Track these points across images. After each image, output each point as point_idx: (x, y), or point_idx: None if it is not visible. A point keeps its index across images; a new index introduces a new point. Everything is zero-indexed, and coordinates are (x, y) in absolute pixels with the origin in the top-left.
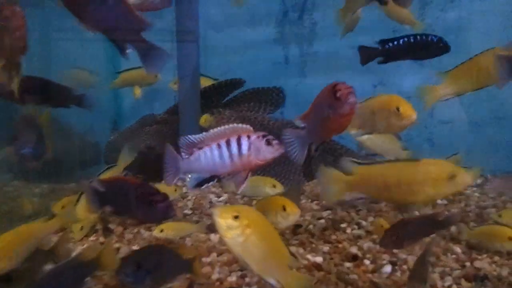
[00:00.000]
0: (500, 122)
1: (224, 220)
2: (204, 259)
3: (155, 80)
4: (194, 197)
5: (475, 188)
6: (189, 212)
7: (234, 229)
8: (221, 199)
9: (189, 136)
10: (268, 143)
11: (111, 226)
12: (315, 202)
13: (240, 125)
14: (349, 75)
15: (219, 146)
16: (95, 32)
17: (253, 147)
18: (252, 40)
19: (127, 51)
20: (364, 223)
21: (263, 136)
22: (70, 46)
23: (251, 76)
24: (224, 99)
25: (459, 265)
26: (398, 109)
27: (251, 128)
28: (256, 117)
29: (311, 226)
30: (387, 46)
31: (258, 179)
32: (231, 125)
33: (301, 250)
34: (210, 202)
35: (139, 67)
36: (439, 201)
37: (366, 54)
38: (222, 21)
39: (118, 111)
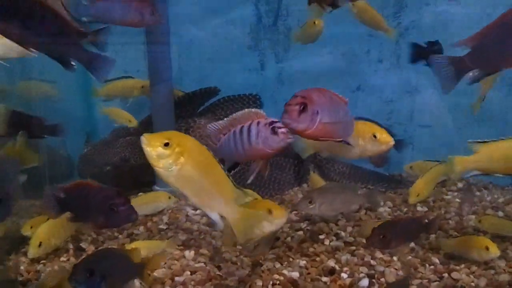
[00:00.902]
0: (481, 126)
1: (153, 149)
2: (177, 278)
3: (143, 90)
4: (169, 211)
5: (455, 193)
6: (165, 227)
7: (165, 157)
8: (198, 212)
9: (216, 123)
10: (274, 131)
11: (83, 245)
12: (293, 212)
13: (254, 110)
14: (327, 80)
15: (234, 133)
16: (36, 52)
17: (260, 135)
18: (226, 47)
19: (72, 63)
20: (342, 233)
21: (270, 124)
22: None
23: (227, 83)
24: (199, 108)
25: (437, 277)
26: (375, 136)
27: (263, 113)
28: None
29: (288, 239)
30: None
31: None
32: (246, 110)
33: (277, 265)
34: (187, 215)
35: (128, 77)
36: (419, 208)
37: (417, 53)
38: (196, 29)
39: (91, 123)
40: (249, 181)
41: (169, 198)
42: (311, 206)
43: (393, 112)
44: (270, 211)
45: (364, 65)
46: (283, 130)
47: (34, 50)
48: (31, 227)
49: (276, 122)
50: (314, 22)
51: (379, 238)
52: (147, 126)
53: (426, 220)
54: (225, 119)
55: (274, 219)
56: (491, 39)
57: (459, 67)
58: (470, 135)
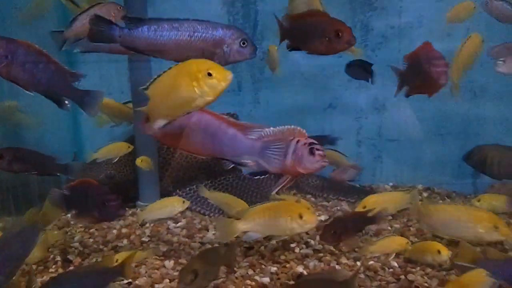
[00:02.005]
0: (444, 138)
1: None
2: (156, 286)
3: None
4: (152, 225)
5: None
6: (147, 239)
7: None
8: (178, 224)
9: (256, 130)
10: (311, 152)
11: (71, 257)
12: None
13: (297, 127)
14: (302, 99)
15: (274, 143)
16: (32, 91)
17: (297, 154)
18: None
19: (66, 102)
20: (312, 242)
21: (309, 144)
22: None
23: None
24: None
25: (394, 279)
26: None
27: (305, 133)
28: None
29: (262, 248)
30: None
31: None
32: (287, 127)
33: (250, 271)
34: (168, 228)
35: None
36: None
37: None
38: None
39: (78, 142)
40: (273, 192)
41: (183, 202)
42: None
43: (362, 128)
44: (301, 216)
45: (335, 84)
46: (320, 152)
47: (32, 91)
48: None
49: (315, 143)
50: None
51: (330, 234)
52: (133, 143)
53: (370, 214)
54: (271, 129)
55: (304, 224)
56: (409, 66)
57: (400, 79)
58: (434, 148)
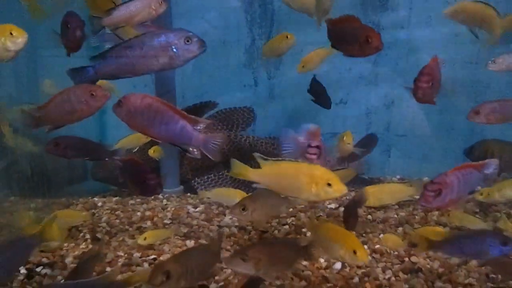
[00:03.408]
0: (450, 133)
1: None
2: None
3: None
4: (173, 209)
5: None
6: (168, 221)
7: None
8: (197, 209)
9: (291, 130)
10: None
11: (99, 235)
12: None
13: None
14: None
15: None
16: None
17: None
18: (224, 65)
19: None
20: None
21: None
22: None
23: (224, 97)
24: None
25: (399, 261)
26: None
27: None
28: (229, 135)
29: (276, 232)
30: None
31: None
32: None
33: None
34: (188, 213)
35: None
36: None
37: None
38: None
39: (103, 131)
40: None
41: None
42: (244, 213)
43: (371, 123)
44: (354, 252)
45: (346, 81)
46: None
47: None
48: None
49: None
50: (287, 36)
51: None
52: None
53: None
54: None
55: (356, 260)
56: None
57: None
58: (441, 142)
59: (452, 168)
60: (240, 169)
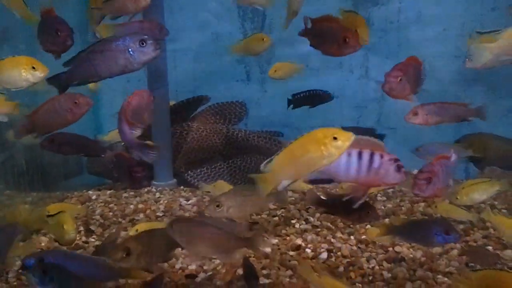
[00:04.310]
0: (438, 127)
1: None
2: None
3: None
4: (165, 201)
5: None
6: (161, 214)
7: None
8: (190, 202)
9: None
10: (398, 169)
11: (92, 227)
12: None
13: (375, 139)
14: (307, 87)
15: (349, 154)
16: None
17: (383, 168)
18: (217, 60)
19: None
20: (311, 219)
21: (395, 160)
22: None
23: (218, 92)
24: (192, 113)
25: (383, 250)
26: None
27: (383, 145)
28: (221, 129)
29: (266, 223)
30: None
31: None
32: (366, 137)
33: None
34: (180, 205)
35: None
36: (378, 197)
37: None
38: (190, 44)
39: (98, 126)
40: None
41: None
42: (219, 210)
43: (362, 116)
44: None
45: (337, 75)
46: (404, 169)
47: None
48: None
49: (398, 159)
50: (263, 39)
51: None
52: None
53: None
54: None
55: (342, 144)
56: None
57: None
58: (430, 135)
59: (435, 158)
60: (262, 182)
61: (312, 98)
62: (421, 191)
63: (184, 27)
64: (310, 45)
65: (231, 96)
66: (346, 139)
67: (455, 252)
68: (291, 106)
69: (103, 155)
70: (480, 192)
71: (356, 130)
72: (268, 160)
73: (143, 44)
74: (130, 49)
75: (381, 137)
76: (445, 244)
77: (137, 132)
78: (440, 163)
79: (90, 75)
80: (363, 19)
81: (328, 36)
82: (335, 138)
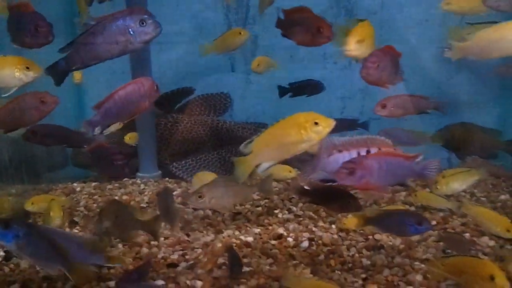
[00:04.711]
0: (421, 116)
1: None
2: (152, 243)
3: None
4: (150, 193)
5: None
6: (145, 205)
7: None
8: (174, 193)
9: (333, 138)
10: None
11: (76, 219)
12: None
13: (380, 137)
14: (291, 78)
15: (358, 154)
16: None
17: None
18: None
19: None
20: (294, 208)
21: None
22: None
23: (202, 83)
24: (177, 105)
25: (363, 238)
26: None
27: (390, 143)
28: (206, 120)
29: (249, 213)
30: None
31: None
32: (372, 136)
33: (236, 232)
34: None
35: None
36: None
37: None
38: (174, 35)
39: (82, 117)
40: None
41: (290, 172)
42: (201, 201)
43: (346, 107)
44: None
45: (321, 65)
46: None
47: None
48: (32, 203)
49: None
50: (240, 33)
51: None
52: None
53: None
54: (347, 137)
55: (322, 130)
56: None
57: None
58: (413, 125)
59: (376, 152)
60: (241, 164)
61: (308, 88)
62: (340, 179)
63: (167, 18)
64: (283, 35)
65: (215, 87)
66: (326, 125)
67: (432, 239)
68: (289, 94)
69: (85, 146)
70: (460, 181)
71: (340, 122)
72: (248, 141)
73: (143, 23)
74: (130, 29)
75: (364, 125)
76: (417, 234)
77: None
78: (379, 159)
79: (91, 57)
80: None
81: (301, 26)
82: (316, 123)
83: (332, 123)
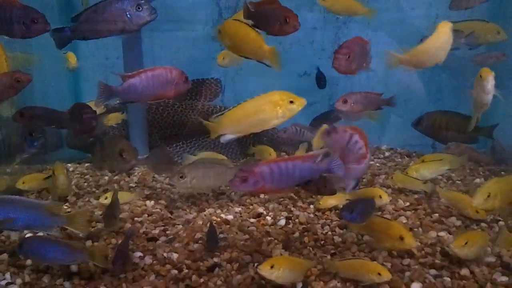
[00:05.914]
0: (407, 104)
1: None
2: (136, 219)
3: None
4: (139, 173)
5: (379, 159)
6: (134, 185)
7: None
8: (163, 175)
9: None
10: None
11: (68, 198)
12: None
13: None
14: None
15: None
16: None
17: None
18: (193, 38)
19: None
20: None
21: None
22: None
23: (194, 69)
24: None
25: (337, 218)
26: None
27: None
28: (197, 105)
29: (232, 194)
30: None
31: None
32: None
33: (218, 211)
34: (153, 177)
35: None
36: None
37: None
38: (166, 21)
39: (78, 97)
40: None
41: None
42: (182, 181)
43: (334, 94)
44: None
45: (309, 54)
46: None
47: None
48: (23, 183)
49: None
50: None
51: None
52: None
53: None
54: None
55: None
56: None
57: None
58: (398, 113)
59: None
60: (208, 128)
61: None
62: (234, 187)
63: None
64: (254, 26)
65: (207, 73)
66: (300, 103)
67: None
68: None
69: (73, 128)
70: (430, 170)
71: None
72: (218, 114)
73: (139, 8)
74: (127, 13)
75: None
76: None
77: None
78: (273, 165)
79: (92, 32)
80: None
81: (270, 17)
82: (291, 102)
83: (305, 102)
